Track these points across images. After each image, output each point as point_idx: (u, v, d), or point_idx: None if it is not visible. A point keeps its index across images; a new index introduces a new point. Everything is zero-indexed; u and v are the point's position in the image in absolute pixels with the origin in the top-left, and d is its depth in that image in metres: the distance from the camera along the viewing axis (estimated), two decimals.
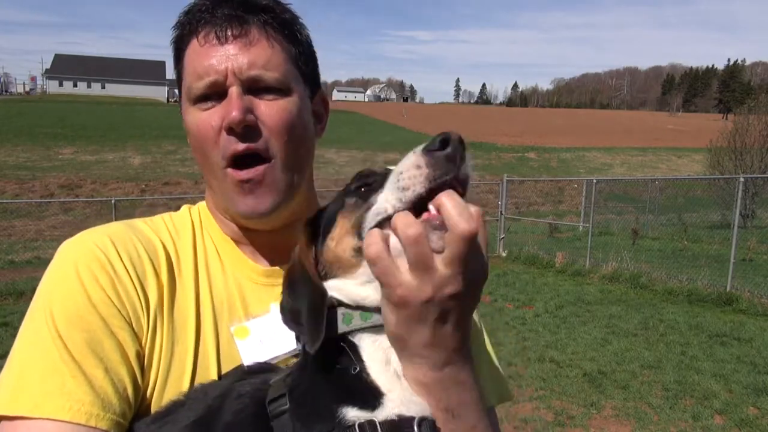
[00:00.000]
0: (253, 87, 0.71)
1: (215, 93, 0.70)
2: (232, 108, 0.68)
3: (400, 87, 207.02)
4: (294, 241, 0.67)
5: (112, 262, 0.68)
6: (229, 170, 0.70)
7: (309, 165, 0.78)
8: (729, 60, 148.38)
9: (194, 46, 0.72)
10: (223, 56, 0.69)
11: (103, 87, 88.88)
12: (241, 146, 0.69)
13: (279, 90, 0.72)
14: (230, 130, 0.69)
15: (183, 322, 0.70)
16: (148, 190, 21.90)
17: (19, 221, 15.89)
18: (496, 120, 69.48)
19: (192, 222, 0.79)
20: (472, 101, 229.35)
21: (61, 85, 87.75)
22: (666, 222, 13.45)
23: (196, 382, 0.68)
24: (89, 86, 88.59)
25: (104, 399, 0.60)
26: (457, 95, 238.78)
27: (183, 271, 0.73)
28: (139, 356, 0.65)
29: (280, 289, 0.67)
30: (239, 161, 0.70)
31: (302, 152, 0.76)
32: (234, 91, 0.69)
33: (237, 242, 0.78)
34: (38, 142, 29.33)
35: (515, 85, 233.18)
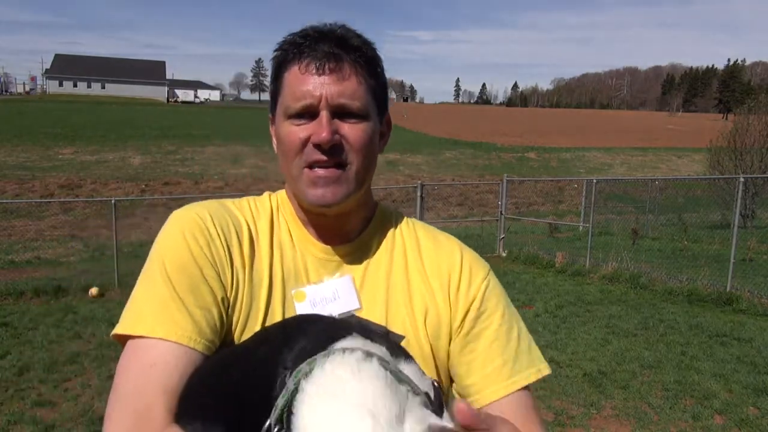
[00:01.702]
0: (339, 112, 0.86)
1: (308, 113, 0.86)
2: (322, 129, 0.85)
3: (400, 87, 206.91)
4: (348, 226, 0.93)
5: (208, 229, 0.88)
6: (306, 169, 0.87)
7: (372, 173, 0.94)
8: (729, 60, 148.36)
9: (295, 72, 0.87)
10: (319, 84, 0.86)
11: (103, 87, 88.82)
12: (324, 158, 0.86)
13: (360, 116, 0.88)
14: (318, 146, 0.86)
15: (259, 283, 0.89)
16: (148, 190, 21.90)
17: (19, 221, 15.88)
18: (496, 120, 69.47)
19: (271, 206, 0.98)
20: (472, 101, 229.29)
21: (61, 85, 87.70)
22: (666, 222, 13.45)
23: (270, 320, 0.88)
24: (89, 86, 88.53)
25: (200, 329, 0.81)
26: (457, 95, 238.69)
27: (261, 244, 0.92)
28: (224, 301, 0.85)
29: (333, 263, 0.92)
30: (319, 164, 0.88)
31: (370, 165, 0.92)
32: (324, 114, 0.85)
33: (305, 223, 0.95)
34: (38, 142, 29.32)
35: (515, 85, 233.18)
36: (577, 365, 4.78)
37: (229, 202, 0.96)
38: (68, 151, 27.93)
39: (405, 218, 1.02)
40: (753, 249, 9.67)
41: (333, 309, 0.88)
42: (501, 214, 10.07)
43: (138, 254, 11.52)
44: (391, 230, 0.98)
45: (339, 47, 0.87)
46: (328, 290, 0.90)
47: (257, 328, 0.86)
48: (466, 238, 12.24)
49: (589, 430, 3.75)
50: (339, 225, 0.94)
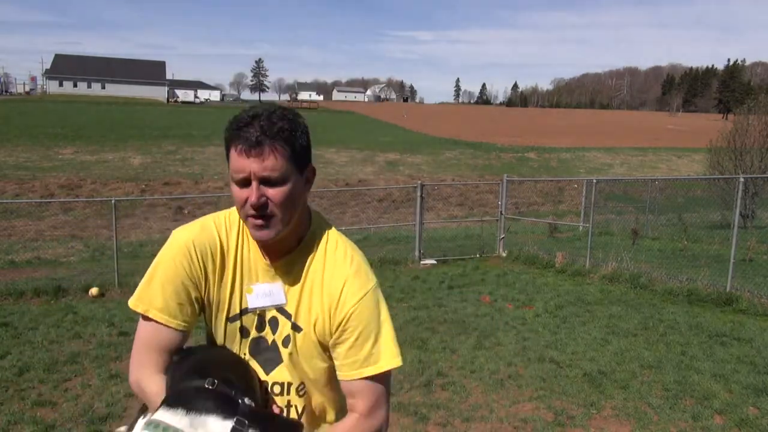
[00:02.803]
0: (265, 181, 1.22)
1: (246, 180, 1.23)
2: (252, 195, 1.22)
3: (400, 87, 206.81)
4: (283, 247, 1.34)
5: (190, 255, 1.31)
6: (249, 218, 1.26)
7: (298, 211, 1.31)
8: (729, 60, 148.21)
9: (233, 153, 1.24)
10: (248, 163, 1.22)
11: (103, 87, 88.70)
12: (255, 213, 1.24)
13: (280, 182, 1.24)
14: (251, 205, 1.23)
15: (226, 284, 1.35)
16: (148, 190, 21.89)
17: (19, 221, 15.88)
18: (496, 120, 69.45)
19: (239, 223, 1.37)
20: (472, 101, 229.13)
21: (61, 85, 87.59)
22: (666, 222, 13.44)
23: (231, 311, 1.36)
24: (89, 86, 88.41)
25: (177, 316, 1.30)
26: (457, 95, 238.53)
27: (229, 256, 1.35)
28: (197, 300, 1.33)
29: (272, 272, 1.34)
30: (254, 216, 1.25)
31: (293, 210, 1.29)
32: (254, 184, 1.22)
33: (257, 242, 1.35)
34: (38, 142, 29.31)
35: (515, 85, 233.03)
36: (577, 365, 4.77)
37: (211, 221, 1.37)
38: (68, 151, 27.92)
39: (328, 236, 1.38)
40: (753, 249, 9.67)
41: (268, 301, 1.34)
42: (501, 214, 10.07)
43: (138, 254, 11.52)
44: (314, 250, 1.36)
45: (263, 133, 1.20)
46: (267, 289, 1.35)
47: (224, 313, 1.35)
48: (466, 238, 12.26)
49: (589, 430, 3.75)
50: (276, 247, 1.33)
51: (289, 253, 1.34)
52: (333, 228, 1.42)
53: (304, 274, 1.34)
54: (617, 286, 7.53)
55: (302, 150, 1.27)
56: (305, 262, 1.34)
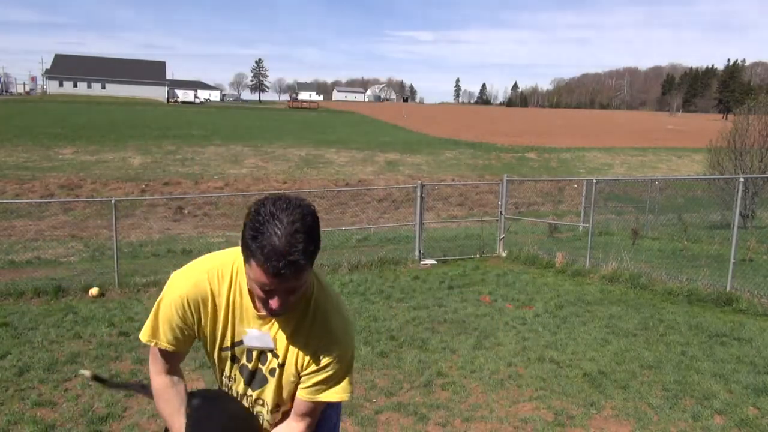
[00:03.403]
0: (289, 289, 1.42)
1: (269, 292, 1.42)
2: (275, 304, 1.45)
3: (400, 87, 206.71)
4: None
5: (184, 307, 1.59)
6: (267, 310, 1.52)
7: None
8: (729, 60, 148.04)
9: (256, 266, 1.37)
10: (272, 282, 1.38)
11: (103, 87, 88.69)
12: (274, 314, 1.52)
13: (301, 287, 1.45)
14: (275, 311, 1.48)
15: (218, 323, 1.62)
16: (148, 190, 21.88)
17: (19, 221, 15.89)
18: (496, 120, 69.44)
19: (231, 273, 1.59)
20: (472, 101, 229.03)
21: (61, 85, 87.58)
22: (666, 222, 13.43)
23: (223, 344, 1.65)
24: (89, 86, 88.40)
25: (176, 345, 1.64)
26: (457, 95, 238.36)
27: (220, 302, 1.60)
28: (191, 335, 1.64)
29: (264, 323, 1.60)
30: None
31: (302, 299, 1.56)
32: (278, 297, 1.43)
33: (251, 295, 1.56)
34: (38, 142, 29.31)
35: (515, 85, 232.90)
36: (577, 365, 4.78)
37: (205, 275, 1.58)
38: (68, 151, 27.92)
39: (319, 303, 1.59)
40: (753, 249, 9.67)
41: (258, 343, 1.61)
42: (501, 214, 10.07)
43: (138, 254, 11.52)
44: (306, 314, 1.57)
45: (288, 263, 1.33)
46: (258, 334, 1.60)
47: (216, 344, 1.65)
48: (466, 238, 12.25)
49: (589, 430, 3.75)
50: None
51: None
52: (327, 291, 1.63)
53: (293, 330, 1.58)
54: (617, 286, 7.53)
55: (316, 249, 1.41)
56: (295, 323, 1.58)
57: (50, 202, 17.88)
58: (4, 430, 3.69)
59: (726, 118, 69.94)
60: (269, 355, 1.62)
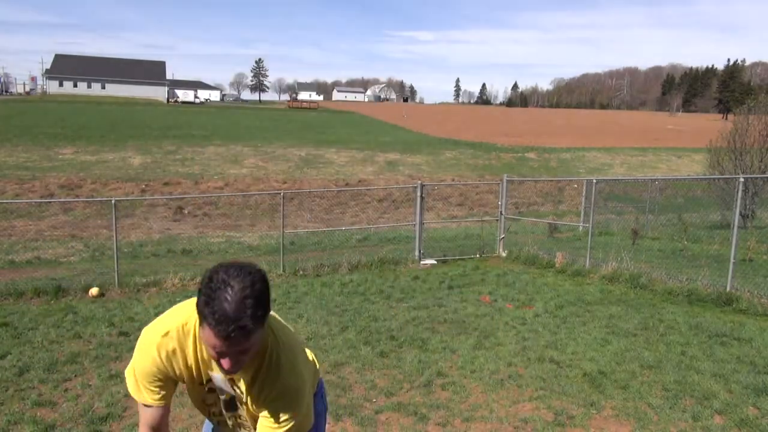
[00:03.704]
0: (242, 350, 1.52)
1: (217, 349, 1.51)
2: (226, 365, 1.54)
3: (400, 87, 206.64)
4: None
5: (156, 359, 1.70)
6: (221, 368, 1.61)
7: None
8: (729, 60, 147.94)
9: (211, 327, 1.47)
10: (223, 345, 1.49)
11: (103, 87, 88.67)
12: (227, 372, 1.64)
13: (252, 347, 1.54)
14: (228, 371, 1.59)
15: (191, 367, 1.74)
16: (148, 190, 21.88)
17: (19, 221, 15.90)
18: (496, 120, 69.43)
19: (194, 328, 1.68)
20: (472, 101, 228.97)
21: (61, 85, 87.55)
22: (666, 222, 13.44)
23: (198, 380, 1.79)
24: (89, 86, 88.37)
25: (160, 396, 1.75)
26: (457, 95, 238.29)
27: (188, 353, 1.72)
28: (167, 385, 1.76)
29: (226, 377, 1.74)
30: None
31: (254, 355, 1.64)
32: (227, 358, 1.53)
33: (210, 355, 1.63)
34: (38, 142, 29.31)
35: (515, 85, 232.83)
36: (577, 365, 4.78)
37: (174, 329, 1.69)
38: (68, 151, 27.92)
39: (275, 355, 1.68)
40: (753, 249, 9.67)
41: (223, 386, 1.78)
42: (501, 214, 10.07)
43: (138, 254, 11.52)
44: (263, 365, 1.67)
45: (237, 328, 1.44)
46: (221, 379, 1.75)
47: (193, 381, 1.78)
48: (466, 238, 12.25)
49: (589, 430, 3.76)
50: None
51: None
52: (284, 346, 1.72)
53: (250, 380, 1.70)
54: (617, 286, 7.53)
55: (266, 313, 1.53)
56: (252, 373, 1.69)
57: (50, 202, 17.88)
58: (4, 430, 3.69)
59: (726, 118, 69.95)
60: (235, 389, 1.78)
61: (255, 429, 1.81)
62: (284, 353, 1.70)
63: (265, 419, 1.71)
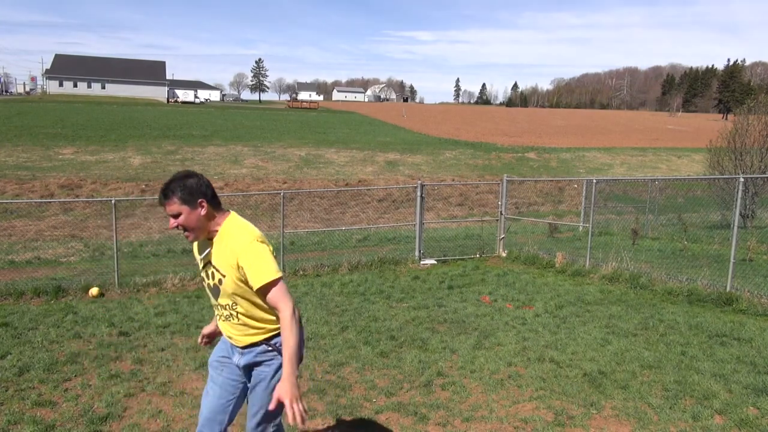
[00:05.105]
0: (173, 215, 2.42)
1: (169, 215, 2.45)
2: (170, 225, 2.45)
3: (400, 87, 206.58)
4: (209, 235, 2.53)
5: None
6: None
7: (204, 220, 2.44)
8: (729, 60, 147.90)
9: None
10: (164, 209, 2.43)
11: (103, 87, 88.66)
12: (178, 231, 2.50)
13: (178, 215, 2.41)
14: (170, 228, 2.47)
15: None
16: (148, 190, 21.88)
17: (19, 221, 15.89)
18: (496, 120, 69.40)
19: None
20: (472, 101, 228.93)
21: (61, 85, 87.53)
22: (666, 222, 13.44)
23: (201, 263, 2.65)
24: (89, 86, 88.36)
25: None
26: (457, 95, 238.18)
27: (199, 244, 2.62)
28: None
29: (207, 244, 2.54)
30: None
31: (196, 225, 2.44)
32: (171, 218, 2.43)
33: None
34: (38, 142, 29.31)
35: (515, 85, 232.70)
36: (577, 365, 4.78)
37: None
38: (68, 151, 27.92)
39: (232, 227, 2.46)
40: (753, 249, 9.68)
41: (209, 252, 2.51)
42: (501, 214, 10.07)
43: (138, 254, 11.52)
44: (224, 235, 2.46)
45: (164, 194, 2.40)
46: (207, 247, 2.53)
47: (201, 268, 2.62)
48: (466, 238, 12.25)
49: (589, 430, 3.75)
50: (208, 236, 2.50)
51: (212, 238, 2.49)
52: (237, 222, 2.48)
53: (219, 244, 2.46)
54: (617, 286, 7.53)
55: (188, 195, 2.38)
56: (220, 240, 2.46)
57: (50, 202, 17.88)
58: (4, 430, 3.69)
59: (726, 118, 69.95)
60: (213, 269, 2.48)
61: (238, 313, 2.47)
62: (235, 226, 2.45)
63: (245, 270, 2.36)
